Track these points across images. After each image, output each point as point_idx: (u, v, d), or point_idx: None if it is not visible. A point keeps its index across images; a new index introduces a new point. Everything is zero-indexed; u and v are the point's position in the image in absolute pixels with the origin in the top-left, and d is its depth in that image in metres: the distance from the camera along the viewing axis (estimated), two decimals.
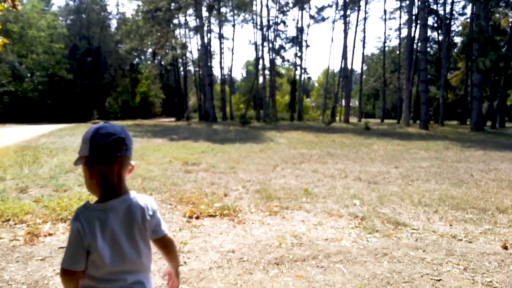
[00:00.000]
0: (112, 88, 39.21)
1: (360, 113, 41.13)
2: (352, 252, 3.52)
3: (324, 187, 6.36)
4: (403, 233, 4.12)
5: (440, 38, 34.37)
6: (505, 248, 3.68)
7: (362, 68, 42.99)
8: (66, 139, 12.83)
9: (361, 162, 9.27)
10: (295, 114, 35.91)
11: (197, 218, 4.44)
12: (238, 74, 79.59)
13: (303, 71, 36.94)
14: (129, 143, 1.33)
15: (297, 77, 37.57)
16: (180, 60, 38.06)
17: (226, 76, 39.21)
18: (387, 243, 3.80)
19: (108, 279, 1.26)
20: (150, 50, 40.48)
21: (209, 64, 30.63)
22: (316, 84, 66.46)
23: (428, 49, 32.92)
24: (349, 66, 35.01)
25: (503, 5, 26.48)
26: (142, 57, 45.80)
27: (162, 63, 45.13)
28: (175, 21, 33.62)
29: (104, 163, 1.26)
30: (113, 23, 42.61)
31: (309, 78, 64.54)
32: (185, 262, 3.19)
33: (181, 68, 41.19)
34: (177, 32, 36.03)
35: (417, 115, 27.79)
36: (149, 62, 46.72)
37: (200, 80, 34.36)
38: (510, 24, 28.46)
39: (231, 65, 58.10)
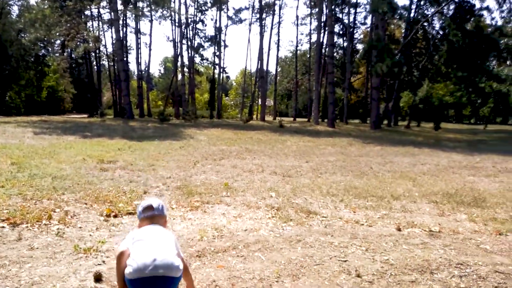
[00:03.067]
0: (13, 80, 34.61)
1: (275, 111, 42.82)
2: (270, 240, 3.77)
3: (243, 181, 6.61)
4: (314, 220, 4.52)
5: (345, 44, 37.43)
6: (399, 230, 4.28)
7: (276, 70, 44.71)
8: None
9: (276, 157, 9.77)
10: (215, 112, 35.93)
11: (115, 216, 4.30)
12: (156, 70, 76.60)
13: (222, 70, 37.05)
14: None
15: (216, 76, 37.65)
16: (93, 54, 35.36)
17: (143, 72, 37.41)
18: (300, 230, 4.14)
19: None
20: (58, 41, 36.75)
21: (125, 59, 28.97)
22: (234, 83, 67.26)
23: (335, 54, 35.51)
24: (264, 67, 36.18)
25: (397, 17, 29.85)
26: (50, 49, 41.25)
27: (73, 55, 41.30)
28: (87, 12, 31.11)
29: None
30: (15, 10, 37.67)
31: (228, 77, 65.09)
32: (103, 261, 3.10)
33: (94, 62, 38.27)
34: (89, 24, 33.30)
35: (325, 114, 29.91)
36: (57, 54, 42.34)
37: (115, 75, 32.36)
38: (403, 35, 32.12)
39: (149, 61, 55.79)
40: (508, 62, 32.92)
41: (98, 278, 2.77)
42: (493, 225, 4.51)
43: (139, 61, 33.89)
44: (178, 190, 5.74)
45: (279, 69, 47.86)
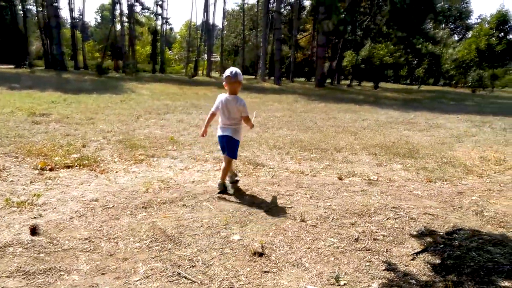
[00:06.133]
0: None
1: (221, 67, 41.92)
2: (217, 190, 3.78)
3: (189, 135, 6.47)
4: (261, 172, 4.60)
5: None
6: (340, 179, 4.50)
7: (223, 24, 43.21)
8: None
9: None
10: (157, 66, 34.27)
11: (51, 170, 4.02)
12: (92, 19, 70.13)
13: (165, 21, 35.00)
14: None
15: (159, 27, 35.50)
16: None
17: (77, 20, 34.13)
18: (248, 181, 4.20)
19: None
20: None
21: (55, 4, 26.00)
22: (179, 36, 64.11)
23: (282, 9, 34.99)
24: (211, 20, 34.79)
25: None
26: None
27: None
28: None
29: None
30: None
31: (171, 29, 61.74)
32: (40, 215, 2.92)
33: (20, 6, 33.99)
34: None
35: (272, 72, 29.90)
36: None
37: (44, 22, 29.15)
38: None
39: (83, 8, 50.94)
40: (442, 25, 34.77)
41: (34, 230, 2.60)
42: (424, 173, 4.91)
43: (72, 7, 30.78)
44: (120, 143, 5.48)
45: (225, 23, 46.26)
